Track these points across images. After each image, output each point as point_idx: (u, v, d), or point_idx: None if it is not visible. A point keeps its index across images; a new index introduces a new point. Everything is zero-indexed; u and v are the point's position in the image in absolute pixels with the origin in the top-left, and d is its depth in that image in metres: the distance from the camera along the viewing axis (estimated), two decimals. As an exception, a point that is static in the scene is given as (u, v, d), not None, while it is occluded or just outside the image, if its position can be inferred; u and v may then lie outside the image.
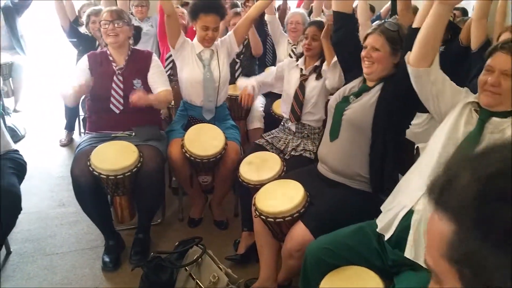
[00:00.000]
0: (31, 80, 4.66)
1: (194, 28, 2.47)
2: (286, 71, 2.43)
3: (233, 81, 2.97)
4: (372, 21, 3.11)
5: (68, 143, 3.69)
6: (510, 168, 0.48)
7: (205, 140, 2.28)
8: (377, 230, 1.47)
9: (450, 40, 2.88)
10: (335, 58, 2.09)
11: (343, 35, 1.90)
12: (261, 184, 1.95)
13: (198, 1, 2.38)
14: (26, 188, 2.22)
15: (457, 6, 2.67)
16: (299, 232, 1.67)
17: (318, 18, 2.84)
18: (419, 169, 1.45)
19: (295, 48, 3.18)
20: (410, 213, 1.37)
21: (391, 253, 1.43)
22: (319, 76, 2.31)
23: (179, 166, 2.29)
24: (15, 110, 4.30)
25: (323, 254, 1.49)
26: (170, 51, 2.58)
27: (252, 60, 3.20)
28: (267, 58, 3.46)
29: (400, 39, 1.70)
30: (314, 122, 2.34)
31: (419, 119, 2.24)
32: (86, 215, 2.16)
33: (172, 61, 2.93)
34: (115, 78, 2.23)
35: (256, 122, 2.97)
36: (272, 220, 1.73)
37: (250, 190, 2.07)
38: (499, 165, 0.48)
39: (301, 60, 2.39)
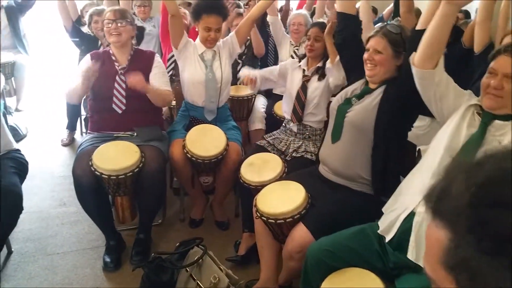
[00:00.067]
0: (33, 79, 4.66)
1: (196, 29, 2.47)
2: (289, 71, 2.43)
3: (235, 82, 2.97)
4: (375, 23, 3.12)
5: (70, 142, 3.69)
6: (502, 176, 0.49)
7: (206, 140, 2.28)
8: (378, 231, 1.47)
9: (453, 43, 2.88)
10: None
11: (346, 37, 1.90)
12: (262, 185, 1.95)
13: (201, 2, 2.38)
14: (28, 187, 2.23)
15: (459, 8, 2.65)
16: (300, 233, 1.67)
17: (321, 19, 2.85)
18: (420, 171, 1.45)
19: (297, 49, 3.18)
20: (411, 215, 1.37)
21: (392, 255, 1.43)
22: (321, 77, 2.31)
23: (181, 166, 2.29)
24: (17, 110, 4.31)
25: (324, 255, 1.49)
26: (173, 51, 2.58)
27: (254, 61, 3.20)
28: (269, 59, 3.46)
29: (402, 41, 1.70)
30: (315, 123, 2.34)
31: (421, 122, 2.24)
32: (87, 215, 2.16)
33: (174, 61, 2.93)
34: (117, 78, 2.23)
35: (257, 123, 2.97)
36: (273, 221, 1.73)
37: (251, 191, 2.07)
38: (491, 174, 0.50)
39: (303, 61, 2.39)
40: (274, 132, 2.47)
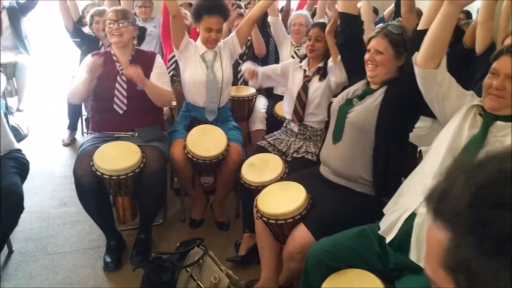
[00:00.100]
0: (35, 80, 4.67)
1: (197, 30, 2.47)
2: (290, 71, 2.44)
3: (236, 82, 2.97)
4: (376, 23, 3.12)
5: (71, 142, 3.69)
6: (503, 177, 0.49)
7: (207, 141, 2.28)
8: (379, 232, 1.47)
9: (454, 43, 2.87)
10: None
11: (348, 37, 1.90)
12: (262, 186, 1.95)
13: (202, 2, 2.38)
14: (29, 187, 2.24)
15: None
16: (301, 234, 1.67)
17: (321, 20, 2.85)
18: (422, 172, 1.44)
19: (298, 49, 3.18)
20: (412, 216, 1.37)
21: (393, 256, 1.43)
22: (322, 77, 2.31)
23: (181, 167, 2.29)
24: (18, 110, 4.31)
25: (325, 256, 1.49)
26: (174, 52, 2.58)
27: (255, 61, 3.18)
28: (270, 59, 3.46)
29: (403, 42, 1.69)
30: (316, 123, 2.34)
31: (422, 123, 2.23)
32: (88, 215, 2.17)
33: (175, 61, 2.94)
34: (118, 78, 2.23)
35: (258, 123, 2.97)
36: (273, 222, 1.73)
37: (251, 191, 2.07)
38: (492, 174, 0.50)
39: (304, 61, 2.39)
40: (275, 132, 2.47)
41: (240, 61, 3.05)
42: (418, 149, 1.98)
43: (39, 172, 3.02)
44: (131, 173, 2.00)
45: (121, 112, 2.22)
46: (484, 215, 0.47)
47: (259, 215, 1.78)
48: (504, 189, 0.48)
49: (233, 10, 3.04)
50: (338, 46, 2.02)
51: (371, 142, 1.73)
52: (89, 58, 2.29)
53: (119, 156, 2.03)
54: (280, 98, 2.84)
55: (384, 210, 1.52)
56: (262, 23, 3.28)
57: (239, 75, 3.06)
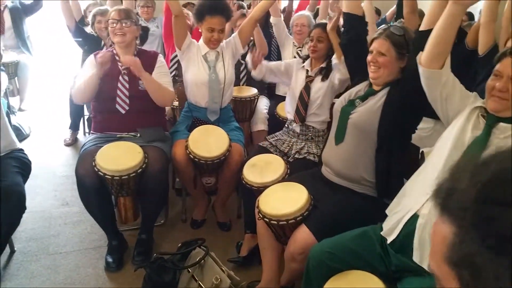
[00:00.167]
0: (37, 79, 4.68)
1: (199, 30, 2.47)
2: (294, 70, 2.44)
3: (238, 83, 2.97)
4: (378, 24, 3.12)
5: (73, 142, 3.70)
6: (508, 175, 0.49)
7: (209, 141, 2.28)
8: (381, 233, 1.47)
9: (456, 44, 2.87)
10: None
11: (351, 37, 1.90)
12: (264, 187, 1.95)
13: (204, 3, 2.38)
14: (30, 187, 2.24)
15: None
16: (303, 235, 1.67)
17: (324, 20, 2.85)
18: (425, 173, 1.44)
19: (300, 50, 3.18)
20: (415, 217, 1.37)
21: (394, 257, 1.42)
22: (324, 78, 2.32)
23: (183, 167, 2.29)
24: (20, 109, 4.32)
25: (326, 257, 1.49)
26: (176, 52, 2.58)
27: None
28: (272, 60, 3.45)
29: (406, 43, 1.69)
30: (318, 124, 2.34)
31: (425, 124, 2.23)
32: (89, 215, 2.17)
33: (177, 61, 2.94)
34: (121, 78, 2.23)
35: (260, 124, 2.97)
36: (275, 222, 1.73)
37: (253, 192, 2.07)
38: (497, 172, 0.50)
39: (307, 61, 2.39)
40: (277, 133, 2.47)
41: (242, 62, 3.05)
42: (420, 150, 1.97)
43: (41, 172, 3.03)
44: (133, 174, 2.00)
45: (123, 112, 2.23)
46: (489, 212, 0.48)
47: (261, 216, 1.78)
48: (508, 187, 0.48)
49: (235, 10, 3.04)
50: (342, 46, 2.02)
51: (374, 143, 1.73)
52: (91, 58, 2.30)
53: (121, 157, 2.03)
54: (282, 98, 2.84)
55: (387, 211, 1.52)
56: (264, 23, 3.28)
57: (241, 76, 3.06)
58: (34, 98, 4.56)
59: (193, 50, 2.45)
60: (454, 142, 1.35)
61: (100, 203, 2.08)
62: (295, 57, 3.10)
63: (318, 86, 2.32)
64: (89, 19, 3.38)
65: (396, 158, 1.73)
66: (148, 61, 2.30)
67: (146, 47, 2.61)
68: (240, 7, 3.40)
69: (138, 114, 2.24)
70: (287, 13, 3.91)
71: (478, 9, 3.21)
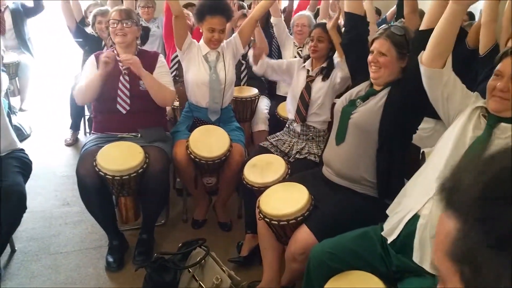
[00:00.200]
0: (37, 79, 4.68)
1: (200, 30, 2.47)
2: (295, 70, 2.44)
3: (238, 83, 2.97)
4: (378, 24, 3.11)
5: (73, 142, 3.70)
6: None
7: (210, 141, 2.28)
8: (382, 233, 1.47)
9: (457, 44, 2.86)
10: None
11: (353, 37, 1.90)
12: (265, 187, 1.95)
13: (205, 3, 2.38)
14: (31, 187, 2.24)
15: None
16: (303, 235, 1.67)
17: (324, 20, 2.85)
18: (425, 173, 1.44)
19: (301, 50, 3.18)
20: (415, 217, 1.37)
21: (395, 258, 1.42)
22: (325, 77, 2.32)
23: (184, 167, 2.29)
24: (21, 109, 4.32)
25: (327, 258, 1.49)
26: (176, 52, 2.58)
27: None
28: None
29: (406, 43, 1.69)
30: (319, 123, 2.34)
31: (426, 124, 2.23)
32: (90, 215, 2.17)
33: (178, 62, 2.94)
34: (121, 78, 2.23)
35: (261, 124, 2.97)
36: (276, 222, 1.73)
37: (254, 192, 2.07)
38: (503, 168, 0.50)
39: (308, 61, 2.39)
40: (278, 133, 2.47)
41: (243, 62, 3.05)
42: (421, 151, 1.97)
43: (42, 172, 3.03)
44: (134, 174, 2.00)
45: (124, 112, 2.23)
46: (494, 208, 0.48)
47: (262, 216, 1.78)
48: None
49: (236, 10, 3.04)
50: (343, 46, 2.02)
51: (374, 143, 1.73)
52: (92, 58, 2.30)
53: (122, 157, 2.03)
54: (283, 99, 2.84)
55: (388, 211, 1.52)
56: (265, 23, 3.28)
57: (242, 76, 3.06)
58: (34, 98, 4.56)
59: (193, 50, 2.45)
60: (455, 142, 1.35)
61: (101, 203, 2.08)
62: (295, 57, 3.10)
63: (319, 86, 2.32)
64: (90, 19, 3.38)
65: (397, 158, 1.73)
66: (149, 61, 2.30)
67: (147, 47, 2.61)
68: (241, 7, 3.40)
69: (139, 114, 2.24)
70: (288, 13, 3.91)
71: (478, 9, 3.20)
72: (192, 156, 2.23)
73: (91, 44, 3.32)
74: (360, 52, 1.85)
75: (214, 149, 2.25)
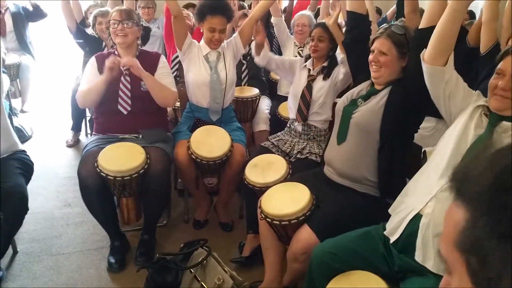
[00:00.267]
0: (38, 80, 4.69)
1: (201, 30, 2.47)
2: (297, 69, 2.44)
3: (239, 83, 2.97)
4: (378, 24, 3.11)
5: (75, 143, 3.70)
6: None
7: (211, 142, 2.28)
8: (384, 233, 1.47)
9: (458, 42, 2.86)
10: None
11: (354, 36, 1.90)
12: (266, 187, 1.95)
13: (205, 2, 2.38)
14: (33, 188, 2.24)
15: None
16: (305, 235, 1.67)
17: (323, 20, 2.85)
18: (427, 172, 1.44)
19: (301, 50, 3.18)
20: (417, 217, 1.37)
21: (398, 258, 1.42)
22: (326, 77, 2.32)
23: (185, 167, 2.29)
24: (22, 111, 4.33)
25: (329, 258, 1.48)
26: (177, 52, 2.58)
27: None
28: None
29: (407, 42, 1.69)
30: (320, 123, 2.34)
31: (427, 123, 2.22)
32: (92, 215, 2.17)
33: (178, 62, 2.94)
34: (122, 78, 2.23)
35: (262, 124, 2.97)
36: (277, 222, 1.72)
37: (255, 192, 2.07)
38: None
39: (309, 61, 2.39)
40: (279, 133, 2.47)
41: (244, 61, 3.05)
42: (423, 150, 1.97)
43: (43, 173, 3.03)
44: (135, 174, 2.00)
45: (125, 112, 2.23)
46: (504, 199, 0.48)
47: (263, 216, 1.78)
48: None
49: (236, 10, 3.03)
50: (344, 45, 2.02)
51: (376, 142, 1.73)
52: (93, 60, 2.30)
53: (123, 157, 2.03)
54: (284, 99, 2.84)
55: (390, 211, 1.52)
56: (265, 23, 3.27)
57: (242, 76, 3.06)
58: (36, 99, 4.57)
59: (194, 50, 2.45)
60: (457, 141, 1.35)
61: (102, 204, 2.09)
62: (296, 56, 3.10)
63: (320, 85, 2.32)
64: (90, 20, 3.38)
65: (399, 158, 1.72)
66: (151, 62, 2.30)
67: (147, 48, 2.62)
68: (241, 7, 3.40)
69: (140, 115, 2.24)
70: (288, 13, 3.91)
71: (479, 8, 3.20)
72: (193, 157, 2.23)
73: (92, 45, 3.33)
74: (361, 51, 1.85)
75: (215, 149, 2.25)
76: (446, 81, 1.40)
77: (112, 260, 2.15)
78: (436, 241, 1.30)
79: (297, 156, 2.25)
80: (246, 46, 2.65)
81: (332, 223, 1.65)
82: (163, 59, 2.36)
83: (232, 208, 2.63)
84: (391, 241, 1.43)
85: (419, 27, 1.57)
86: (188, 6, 3.78)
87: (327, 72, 2.32)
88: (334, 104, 2.17)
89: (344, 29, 2.15)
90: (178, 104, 2.74)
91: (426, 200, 1.34)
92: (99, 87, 2.16)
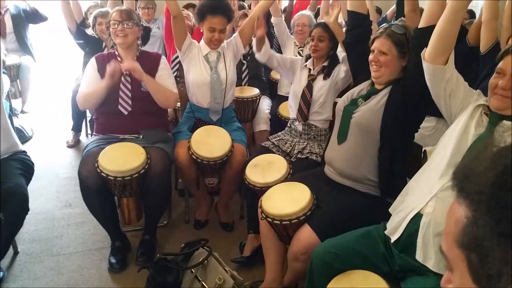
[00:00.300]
0: (39, 81, 4.69)
1: (201, 30, 2.47)
2: (298, 69, 2.44)
3: (239, 83, 2.97)
4: (378, 23, 3.11)
5: (75, 144, 3.71)
6: None
7: (211, 142, 2.28)
8: (385, 232, 1.47)
9: (458, 41, 2.86)
10: None
11: (355, 36, 1.90)
12: (267, 187, 1.95)
13: (205, 2, 2.38)
14: (33, 188, 2.24)
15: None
16: (306, 235, 1.67)
17: (323, 20, 2.85)
18: (428, 171, 1.44)
19: (301, 50, 3.18)
20: (418, 216, 1.37)
21: (398, 257, 1.42)
22: (326, 76, 2.32)
23: (186, 168, 2.29)
24: (22, 111, 4.33)
25: (329, 258, 1.48)
26: (177, 53, 2.58)
27: (258, 62, 3.20)
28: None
29: (407, 42, 1.69)
30: (321, 122, 2.34)
31: (427, 123, 2.22)
32: (92, 216, 2.17)
33: (178, 62, 2.94)
34: (123, 79, 2.23)
35: (262, 124, 2.97)
36: (278, 222, 1.73)
37: (256, 192, 2.07)
38: None
39: (309, 60, 2.39)
40: (279, 133, 2.47)
41: (244, 61, 3.05)
42: (423, 149, 1.97)
43: (44, 174, 3.04)
44: (136, 174, 2.00)
45: (126, 113, 2.23)
46: (505, 198, 0.48)
47: (264, 216, 1.78)
48: None
49: (237, 10, 3.03)
50: (345, 45, 2.02)
51: (376, 142, 1.73)
52: (93, 61, 2.30)
53: (124, 157, 2.03)
54: (284, 98, 2.84)
55: (390, 210, 1.52)
56: (265, 23, 3.27)
57: (243, 76, 3.06)
58: (36, 100, 4.58)
59: (194, 50, 2.45)
60: (458, 140, 1.35)
61: (103, 204, 2.09)
62: (296, 56, 3.10)
63: (321, 85, 2.32)
64: (90, 21, 3.38)
65: (399, 157, 1.72)
66: (151, 63, 2.30)
67: (147, 48, 2.62)
68: (241, 7, 3.40)
69: (140, 116, 2.24)
70: (288, 13, 3.92)
71: (479, 7, 3.20)
72: (194, 157, 2.23)
73: (92, 45, 3.33)
74: (362, 51, 1.85)
75: (215, 149, 2.25)
76: (447, 80, 1.41)
77: (113, 260, 2.15)
78: (437, 240, 1.30)
79: (298, 156, 2.25)
80: (246, 46, 2.65)
81: (333, 223, 1.65)
82: (163, 60, 2.36)
83: (232, 208, 2.63)
84: (392, 241, 1.43)
85: (419, 27, 1.57)
86: (188, 6, 3.78)
87: (327, 72, 2.32)
88: (335, 104, 2.17)
89: (344, 29, 2.15)
90: (178, 104, 2.74)
91: (426, 199, 1.34)
92: (100, 92, 2.17)
